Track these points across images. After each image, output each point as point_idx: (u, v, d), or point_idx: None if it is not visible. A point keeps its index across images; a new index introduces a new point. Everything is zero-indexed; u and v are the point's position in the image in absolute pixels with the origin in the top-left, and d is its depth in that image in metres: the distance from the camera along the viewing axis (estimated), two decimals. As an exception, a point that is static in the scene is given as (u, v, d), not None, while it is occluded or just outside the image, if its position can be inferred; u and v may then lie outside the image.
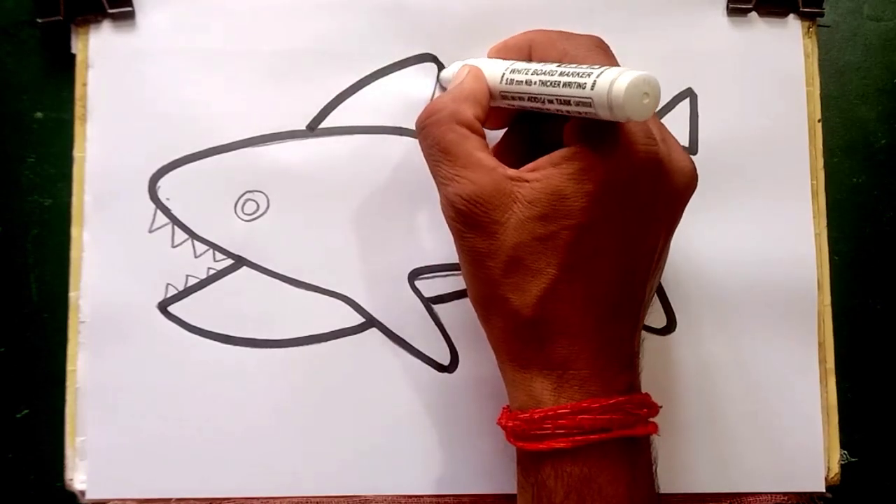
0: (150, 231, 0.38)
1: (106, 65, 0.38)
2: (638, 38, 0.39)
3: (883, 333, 0.40)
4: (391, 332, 0.38)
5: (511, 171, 0.30)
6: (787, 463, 0.38)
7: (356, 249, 0.38)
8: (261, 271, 0.38)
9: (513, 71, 0.31)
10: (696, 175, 0.31)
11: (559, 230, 0.29)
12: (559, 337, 0.30)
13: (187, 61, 0.38)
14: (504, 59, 0.33)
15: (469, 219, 0.30)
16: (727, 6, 0.40)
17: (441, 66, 0.39)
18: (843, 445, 0.39)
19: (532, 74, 0.30)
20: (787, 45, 0.40)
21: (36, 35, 0.39)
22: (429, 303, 0.38)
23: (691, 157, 0.32)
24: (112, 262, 0.37)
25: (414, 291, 0.38)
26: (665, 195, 0.30)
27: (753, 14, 0.40)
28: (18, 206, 0.39)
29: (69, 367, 0.37)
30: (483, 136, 0.31)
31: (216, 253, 0.38)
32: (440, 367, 0.38)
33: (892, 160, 0.41)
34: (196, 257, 0.38)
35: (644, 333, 0.38)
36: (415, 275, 0.38)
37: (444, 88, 0.38)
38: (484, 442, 0.38)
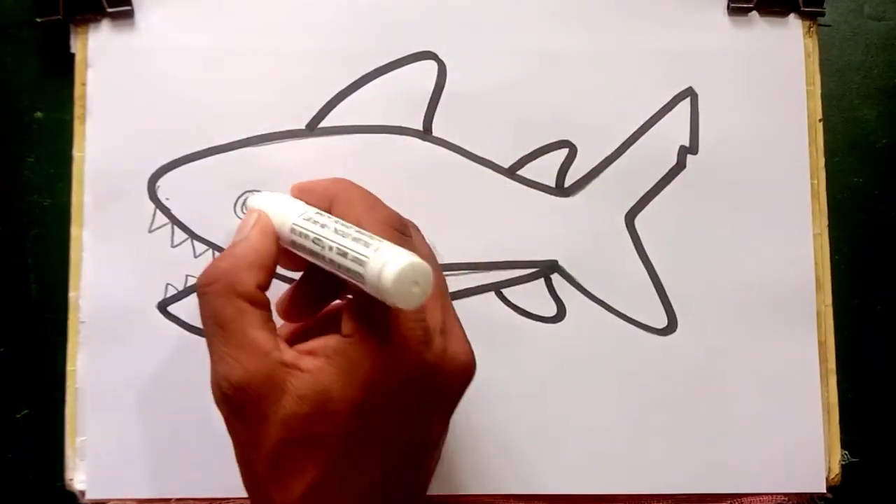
0: (150, 231, 0.37)
1: (105, 64, 0.38)
2: (638, 37, 0.39)
3: (884, 333, 0.40)
4: (391, 332, 0.38)
5: (287, 355, 0.28)
6: (788, 463, 0.38)
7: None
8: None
9: (301, 223, 0.29)
10: (473, 367, 0.30)
11: (324, 433, 0.27)
12: None
13: (187, 61, 0.38)
14: (306, 201, 0.31)
15: (233, 406, 0.28)
16: (728, 5, 0.39)
17: (441, 65, 0.39)
18: (843, 445, 0.39)
19: (317, 233, 0.28)
20: (787, 45, 0.40)
21: (35, 35, 0.39)
22: (428, 303, 0.38)
23: (468, 341, 0.30)
24: (112, 262, 0.37)
25: (414, 291, 0.38)
26: (436, 396, 0.29)
27: (754, 13, 0.40)
28: (18, 206, 0.39)
29: (69, 367, 0.37)
30: (265, 307, 0.29)
31: (216, 253, 0.38)
32: (440, 367, 0.38)
33: (893, 160, 0.41)
34: (196, 257, 0.38)
35: (644, 334, 0.39)
36: (415, 275, 0.38)
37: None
38: (484, 442, 0.38)
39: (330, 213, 0.30)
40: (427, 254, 0.31)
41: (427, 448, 0.30)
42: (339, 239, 0.27)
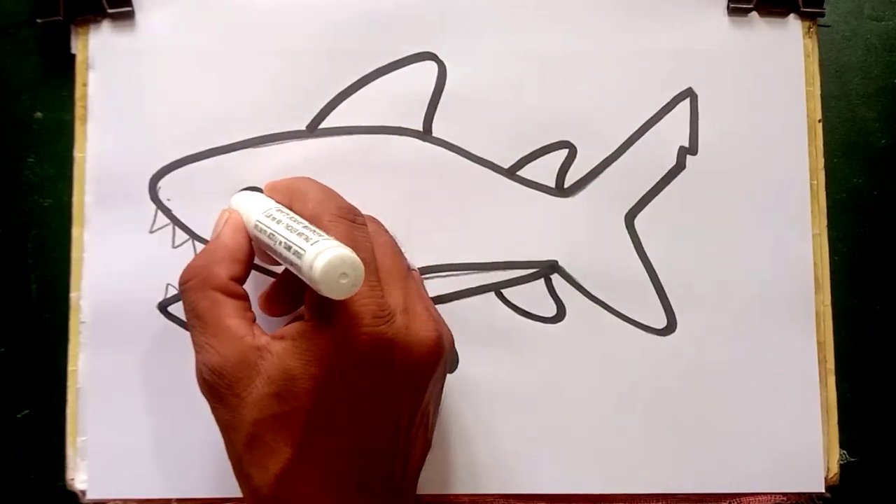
0: (151, 231, 0.38)
1: (106, 65, 0.38)
2: (638, 37, 0.39)
3: (883, 334, 0.40)
4: (391, 332, 0.38)
5: (260, 340, 0.29)
6: (787, 463, 0.38)
7: (356, 250, 0.38)
8: (261, 271, 0.38)
9: (261, 219, 0.31)
10: (440, 343, 0.31)
11: (291, 410, 0.28)
12: None
13: (187, 61, 0.38)
14: (275, 199, 0.33)
15: (213, 391, 0.30)
16: (727, 6, 0.39)
17: (441, 65, 0.39)
18: (842, 445, 0.39)
19: (272, 228, 0.30)
20: (787, 45, 0.40)
21: (36, 35, 0.39)
22: (429, 303, 0.38)
23: (436, 320, 0.31)
24: (112, 263, 0.37)
25: (414, 292, 0.38)
26: (401, 372, 0.30)
27: (754, 14, 0.40)
28: (18, 206, 0.39)
29: (69, 367, 0.37)
30: (240, 297, 0.31)
31: (216, 253, 0.38)
32: (440, 368, 0.38)
33: (892, 160, 0.41)
34: (196, 257, 0.38)
35: (643, 334, 0.39)
36: (415, 275, 0.38)
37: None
38: (484, 442, 0.38)
39: (290, 208, 0.32)
40: (384, 242, 0.33)
41: (394, 434, 0.30)
42: (286, 233, 0.29)
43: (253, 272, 0.34)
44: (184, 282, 0.31)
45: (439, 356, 0.31)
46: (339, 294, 0.27)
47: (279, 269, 0.36)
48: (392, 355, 0.29)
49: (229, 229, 0.32)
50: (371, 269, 0.29)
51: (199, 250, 0.37)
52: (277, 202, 0.33)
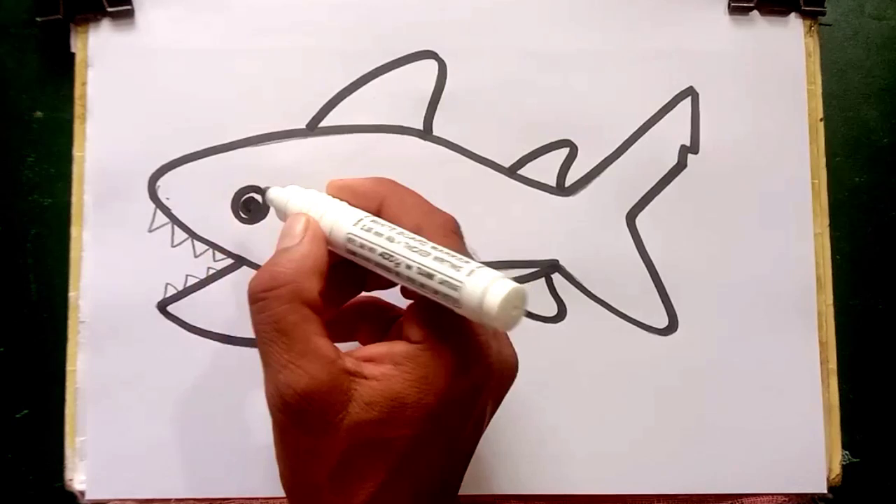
0: (150, 231, 0.37)
1: (105, 64, 0.38)
2: (639, 36, 0.39)
3: (885, 333, 0.40)
4: (391, 331, 0.38)
5: (349, 364, 0.27)
6: (789, 463, 0.38)
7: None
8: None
9: (359, 234, 0.29)
10: (517, 366, 0.30)
11: (395, 437, 0.27)
12: None
13: (187, 60, 0.38)
14: (350, 203, 0.31)
15: (299, 416, 0.27)
16: (729, 5, 0.39)
17: (441, 64, 0.38)
18: (844, 446, 0.39)
19: (384, 247, 0.28)
20: (788, 44, 0.40)
21: (35, 34, 0.39)
22: (429, 303, 0.38)
23: (511, 344, 0.31)
24: (112, 262, 0.37)
25: (414, 291, 0.38)
26: (491, 391, 0.30)
27: (755, 13, 0.40)
28: (18, 205, 0.39)
29: (69, 367, 0.37)
30: (323, 315, 0.28)
31: (216, 253, 0.38)
32: (440, 367, 0.38)
33: (893, 159, 0.41)
34: (196, 257, 0.38)
35: (645, 333, 0.38)
36: (415, 274, 0.38)
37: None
38: (484, 442, 0.38)
39: (379, 216, 0.30)
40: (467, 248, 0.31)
41: (475, 441, 0.31)
42: (416, 257, 0.27)
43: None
44: (267, 290, 0.28)
45: (514, 378, 0.31)
46: (509, 326, 0.26)
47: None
48: (488, 382, 0.29)
49: (312, 237, 0.29)
50: None
51: (197, 249, 0.37)
52: (364, 209, 0.30)
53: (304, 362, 0.27)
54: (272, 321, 0.27)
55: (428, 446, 0.28)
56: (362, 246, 0.28)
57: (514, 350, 0.31)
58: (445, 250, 0.27)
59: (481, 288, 0.25)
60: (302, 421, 0.27)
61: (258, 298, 0.28)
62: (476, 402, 0.29)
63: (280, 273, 0.28)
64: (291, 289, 0.27)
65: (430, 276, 0.26)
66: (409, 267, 0.27)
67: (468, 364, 0.28)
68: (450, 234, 0.29)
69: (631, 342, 0.38)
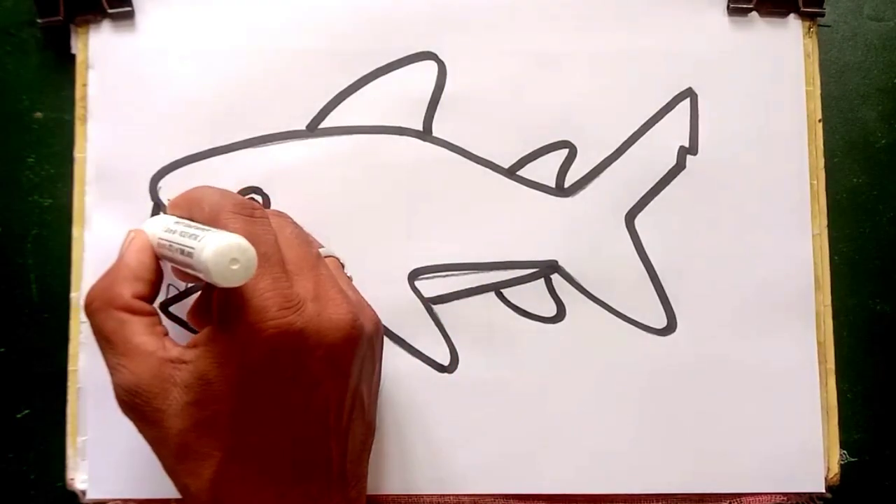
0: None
1: (106, 65, 0.38)
2: (638, 37, 0.39)
3: (883, 333, 0.40)
4: (391, 332, 0.38)
5: (173, 352, 0.29)
6: (787, 463, 0.38)
7: (356, 249, 0.38)
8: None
9: (161, 234, 0.31)
10: (356, 324, 0.30)
11: (213, 414, 0.29)
12: None
13: (188, 61, 0.38)
14: (176, 214, 0.32)
15: (133, 410, 0.29)
16: (727, 6, 0.39)
17: (441, 65, 0.39)
18: (842, 445, 0.39)
19: (169, 239, 0.30)
20: (787, 45, 0.40)
21: (36, 35, 0.39)
22: (429, 303, 0.38)
23: (351, 303, 0.31)
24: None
25: (414, 291, 0.38)
26: (319, 358, 0.29)
27: (754, 14, 0.40)
28: (18, 206, 0.39)
29: (70, 367, 0.37)
30: (148, 314, 0.31)
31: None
32: (440, 368, 0.38)
33: (892, 160, 0.41)
34: (196, 257, 0.38)
35: (644, 334, 0.39)
36: (415, 275, 0.38)
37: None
38: (484, 442, 0.38)
39: (191, 219, 0.31)
40: (289, 234, 0.32)
41: (324, 419, 0.30)
42: (181, 240, 0.29)
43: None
44: (88, 305, 0.31)
45: (356, 337, 0.30)
46: (234, 281, 0.27)
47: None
48: (305, 343, 0.29)
49: (132, 249, 0.32)
50: (274, 261, 0.29)
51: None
52: (179, 216, 0.32)
53: (126, 361, 0.29)
54: (97, 331, 0.30)
55: (252, 420, 0.29)
56: (163, 247, 0.31)
57: (348, 310, 0.30)
58: (207, 228, 0.29)
59: (202, 247, 0.27)
60: (137, 414, 0.29)
61: (87, 314, 0.31)
62: (289, 366, 0.29)
63: (96, 287, 0.31)
64: (104, 299, 0.30)
65: (182, 252, 0.29)
66: (178, 251, 0.29)
67: (258, 328, 0.28)
68: (233, 216, 0.30)
69: (630, 342, 0.38)
